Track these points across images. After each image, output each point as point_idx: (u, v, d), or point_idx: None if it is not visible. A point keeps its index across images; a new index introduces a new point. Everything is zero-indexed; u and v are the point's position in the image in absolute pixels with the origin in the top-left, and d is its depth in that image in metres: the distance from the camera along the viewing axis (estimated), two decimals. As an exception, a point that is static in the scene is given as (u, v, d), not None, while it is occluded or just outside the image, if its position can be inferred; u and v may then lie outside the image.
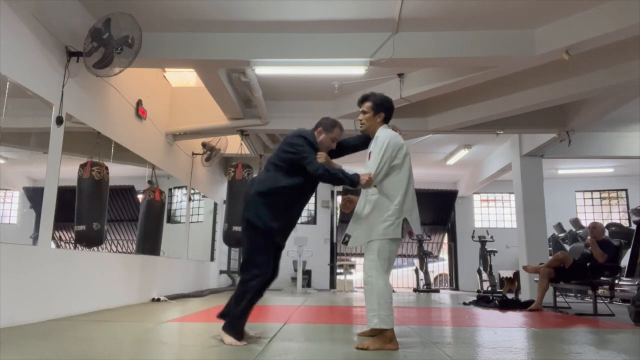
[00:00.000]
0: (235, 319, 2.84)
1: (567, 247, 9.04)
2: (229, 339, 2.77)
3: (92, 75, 4.13)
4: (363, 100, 3.06)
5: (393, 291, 2.78)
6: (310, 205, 12.25)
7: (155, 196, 6.22)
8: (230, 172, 6.95)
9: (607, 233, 6.76)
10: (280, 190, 2.88)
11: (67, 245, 4.43)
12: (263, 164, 3.29)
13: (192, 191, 7.85)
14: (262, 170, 3.08)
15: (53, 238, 3.92)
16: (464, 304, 6.62)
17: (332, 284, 11.65)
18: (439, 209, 12.46)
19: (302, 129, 3.03)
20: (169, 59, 4.74)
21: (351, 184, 2.83)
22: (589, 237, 5.71)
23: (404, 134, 6.94)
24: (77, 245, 4.48)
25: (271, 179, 2.91)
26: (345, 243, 2.96)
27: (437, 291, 10.82)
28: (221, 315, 3.02)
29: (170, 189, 7.16)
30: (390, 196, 2.83)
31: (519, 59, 4.57)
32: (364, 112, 3.04)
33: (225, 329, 2.83)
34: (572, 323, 4.44)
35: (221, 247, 9.60)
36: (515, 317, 4.86)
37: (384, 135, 2.93)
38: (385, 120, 3.04)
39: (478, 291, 9.92)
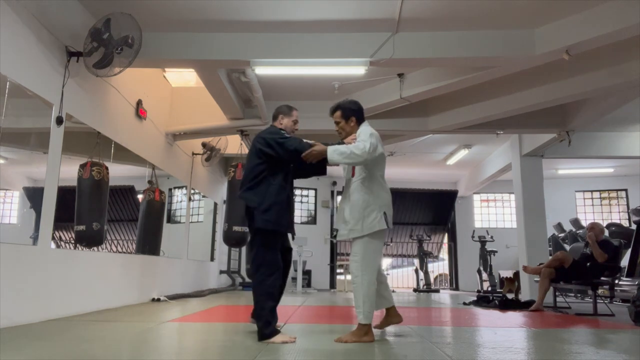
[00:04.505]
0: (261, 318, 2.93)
1: (567, 247, 9.03)
2: (278, 338, 2.86)
3: (92, 75, 4.13)
4: (332, 112, 3.25)
5: (393, 291, 2.97)
6: (310, 205, 12.26)
7: (155, 196, 6.22)
8: (230, 172, 6.95)
9: (607, 233, 6.76)
10: (275, 193, 3.04)
11: (67, 245, 4.43)
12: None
13: (192, 191, 7.85)
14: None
15: (53, 238, 3.92)
16: (464, 304, 6.62)
17: (332, 284, 11.65)
18: (439, 209, 12.46)
19: (263, 131, 3.21)
20: (169, 59, 4.74)
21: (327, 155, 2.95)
22: (588, 234, 5.70)
23: (404, 133, 6.98)
24: (77, 245, 4.48)
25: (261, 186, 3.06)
26: (334, 237, 3.13)
27: (437, 291, 10.82)
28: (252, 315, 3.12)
29: (170, 189, 7.16)
30: (371, 190, 3.02)
31: (519, 59, 4.56)
32: (337, 123, 3.23)
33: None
34: (572, 323, 4.44)
35: (221, 247, 9.59)
36: (515, 317, 4.86)
37: (366, 128, 3.12)
38: (360, 121, 3.20)
39: (478, 291, 9.92)
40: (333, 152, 2.90)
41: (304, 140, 3.03)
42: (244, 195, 3.07)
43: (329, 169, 3.33)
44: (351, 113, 3.16)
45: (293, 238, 3.34)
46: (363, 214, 2.97)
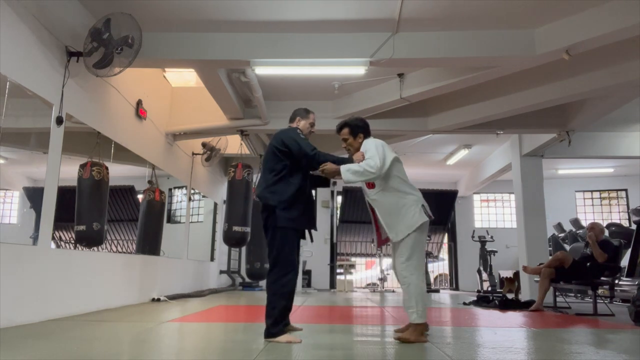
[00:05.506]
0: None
1: (567, 247, 9.03)
2: (283, 338, 2.87)
3: (92, 75, 4.13)
4: (340, 129, 3.29)
5: (393, 291, 3.06)
6: (310, 205, 12.25)
7: (155, 196, 6.22)
8: (230, 172, 6.95)
9: (607, 233, 6.75)
10: (294, 192, 3.05)
11: (67, 245, 4.43)
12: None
13: (192, 191, 7.85)
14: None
15: (53, 238, 3.92)
16: (464, 304, 6.62)
17: (332, 284, 11.65)
18: (439, 209, 12.41)
19: (281, 130, 3.19)
20: (169, 59, 4.74)
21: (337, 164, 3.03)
22: (588, 234, 5.70)
23: (404, 133, 6.97)
24: (77, 245, 4.48)
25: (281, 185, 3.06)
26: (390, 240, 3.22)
27: (437, 291, 10.82)
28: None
29: (170, 189, 7.16)
30: (398, 191, 3.12)
31: (519, 59, 4.56)
32: (345, 140, 3.26)
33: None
34: (572, 323, 4.44)
35: (221, 247, 9.59)
36: (515, 317, 4.86)
37: (371, 141, 3.16)
38: (367, 137, 3.24)
39: (478, 291, 9.92)
40: (347, 171, 2.93)
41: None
42: (262, 193, 3.06)
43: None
44: (358, 130, 3.23)
45: (314, 233, 3.41)
46: (400, 214, 3.07)
